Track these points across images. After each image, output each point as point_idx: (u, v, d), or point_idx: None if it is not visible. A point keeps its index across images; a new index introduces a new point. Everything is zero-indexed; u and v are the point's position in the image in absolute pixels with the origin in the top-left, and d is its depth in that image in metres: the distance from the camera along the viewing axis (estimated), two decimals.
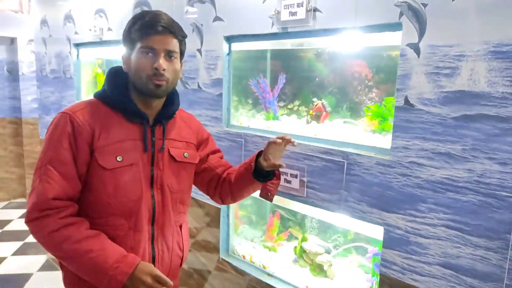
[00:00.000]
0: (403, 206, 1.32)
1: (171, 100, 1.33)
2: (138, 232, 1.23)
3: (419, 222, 1.29)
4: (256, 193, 1.55)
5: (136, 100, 1.25)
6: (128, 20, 1.25)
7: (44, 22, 3.44)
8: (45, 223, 1.12)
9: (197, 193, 2.16)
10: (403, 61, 1.29)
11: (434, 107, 1.23)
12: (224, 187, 1.48)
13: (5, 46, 4.89)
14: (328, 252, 1.87)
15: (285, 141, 1.40)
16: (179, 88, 2.17)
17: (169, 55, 1.22)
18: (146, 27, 1.18)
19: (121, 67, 1.29)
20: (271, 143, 1.38)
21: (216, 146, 1.55)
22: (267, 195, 1.48)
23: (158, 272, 1.15)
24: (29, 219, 1.13)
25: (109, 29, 2.61)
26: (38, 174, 1.15)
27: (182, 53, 1.31)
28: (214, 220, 2.09)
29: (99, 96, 1.27)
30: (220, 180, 1.50)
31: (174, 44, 1.23)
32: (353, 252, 1.85)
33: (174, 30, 1.22)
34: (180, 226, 1.37)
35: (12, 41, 4.87)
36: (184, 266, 2.30)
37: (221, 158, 1.54)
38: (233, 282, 2.00)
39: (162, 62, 1.19)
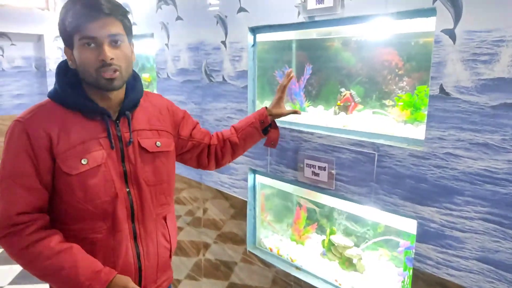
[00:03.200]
0: (438, 199, 1.28)
1: (132, 87, 1.24)
2: (118, 233, 1.17)
3: (455, 216, 1.24)
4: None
5: (92, 95, 1.16)
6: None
7: None
8: (13, 241, 1.07)
9: (222, 186, 2.16)
10: (437, 48, 1.23)
11: (472, 96, 1.17)
12: (224, 151, 1.54)
13: (32, 43, 5.00)
14: (357, 245, 1.83)
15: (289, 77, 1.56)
16: (204, 81, 2.16)
17: (114, 40, 1.10)
18: (80, 16, 1.06)
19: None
20: (279, 91, 1.56)
21: (193, 119, 1.52)
22: (271, 144, 1.60)
23: (133, 285, 1.11)
24: None
25: (134, 23, 2.62)
26: (0, 189, 1.09)
27: (129, 33, 1.17)
28: (239, 212, 2.08)
29: (52, 96, 1.16)
30: (211, 148, 1.52)
31: (117, 26, 1.11)
32: (384, 246, 1.81)
33: (112, 11, 1.09)
34: (165, 218, 1.31)
35: (39, 38, 4.97)
36: (211, 257, 2.31)
37: (200, 128, 1.53)
38: (260, 274, 1.99)
39: (108, 51, 1.08)
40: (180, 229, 2.56)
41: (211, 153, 1.53)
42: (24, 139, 1.08)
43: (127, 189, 1.20)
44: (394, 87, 1.67)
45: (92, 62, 1.10)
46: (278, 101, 1.57)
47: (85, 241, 1.16)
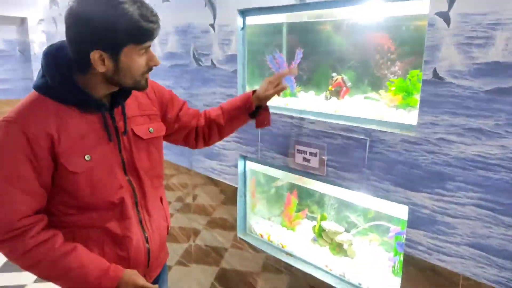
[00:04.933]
0: (430, 184, 1.27)
1: None
2: (128, 220, 1.18)
3: (447, 201, 1.24)
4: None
5: (92, 86, 1.10)
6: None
7: (53, 1, 3.39)
8: (15, 245, 1.04)
9: (212, 172, 2.13)
10: (431, 31, 1.20)
11: (465, 80, 1.15)
12: (211, 133, 1.51)
13: (15, 26, 4.86)
14: (348, 231, 1.83)
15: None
16: (192, 66, 2.11)
17: None
18: (145, 31, 1.03)
19: (58, 46, 1.10)
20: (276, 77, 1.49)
21: (180, 99, 1.47)
22: (263, 124, 1.54)
23: (142, 281, 1.12)
24: None
25: None
26: None
27: None
28: (229, 198, 2.06)
29: (42, 90, 1.08)
30: (199, 130, 1.50)
31: None
32: (374, 231, 1.81)
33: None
34: (161, 199, 1.33)
35: (23, 21, 4.83)
36: (201, 243, 2.30)
37: (188, 109, 1.48)
38: (251, 260, 1.98)
39: (156, 57, 1.12)
40: (170, 215, 2.54)
41: (198, 134, 1.51)
42: (23, 141, 1.02)
43: (127, 178, 1.20)
44: (386, 72, 1.65)
45: (142, 67, 1.09)
46: (268, 85, 1.49)
47: (95, 229, 1.15)
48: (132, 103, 1.24)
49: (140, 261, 1.21)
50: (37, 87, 1.09)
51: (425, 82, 1.24)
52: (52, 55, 1.09)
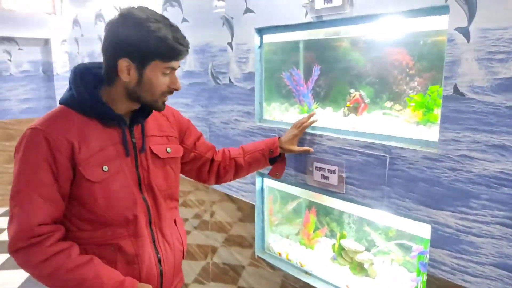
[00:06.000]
0: (453, 202, 1.24)
1: None
2: (140, 238, 1.19)
3: (471, 220, 1.20)
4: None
5: (115, 101, 1.16)
6: (138, 26, 1.07)
7: (76, 22, 3.49)
8: (32, 253, 1.04)
9: (230, 189, 2.13)
10: (451, 46, 1.19)
11: (487, 96, 1.13)
12: (227, 170, 1.53)
13: (39, 47, 5.02)
14: (368, 249, 1.79)
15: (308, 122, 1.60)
16: (210, 84, 2.13)
17: None
18: (173, 48, 1.09)
19: (87, 65, 1.19)
20: (296, 127, 1.58)
21: (197, 130, 1.50)
22: (276, 175, 1.62)
23: None
24: (14, 249, 1.04)
25: None
26: (17, 199, 1.05)
27: None
28: (246, 215, 2.05)
29: (68, 103, 1.14)
30: (214, 165, 1.52)
31: None
32: (395, 250, 1.76)
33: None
34: (175, 221, 1.33)
35: (46, 42, 4.99)
36: (219, 262, 2.28)
37: (204, 141, 1.52)
38: (269, 279, 1.96)
39: (179, 81, 1.18)
40: (187, 232, 2.54)
41: (213, 168, 1.52)
42: (45, 148, 1.06)
43: (142, 195, 1.21)
44: (405, 87, 1.63)
45: (163, 87, 1.14)
46: (292, 138, 1.59)
47: (108, 247, 1.15)
48: (152, 123, 1.28)
49: (152, 282, 1.21)
50: (63, 100, 1.15)
51: (445, 98, 1.22)
52: (80, 71, 1.16)
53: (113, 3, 2.88)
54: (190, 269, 2.52)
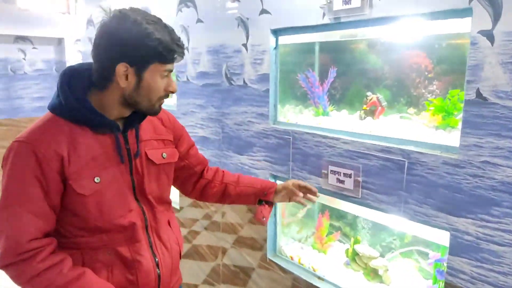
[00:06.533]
0: (473, 210, 1.20)
1: None
2: (138, 243, 1.16)
3: (493, 228, 1.17)
4: None
5: (107, 107, 1.11)
6: (138, 28, 1.04)
7: (90, 22, 3.51)
8: (23, 269, 1.01)
9: None
10: (474, 50, 1.16)
11: (511, 101, 1.10)
12: (213, 192, 1.46)
13: (53, 46, 5.06)
14: (383, 255, 1.76)
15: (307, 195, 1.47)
16: (224, 85, 2.12)
17: None
18: (171, 50, 1.07)
19: (76, 68, 1.13)
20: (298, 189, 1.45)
21: (191, 138, 1.44)
22: (261, 219, 1.46)
23: None
24: (4, 264, 1.02)
25: None
26: (6, 215, 1.02)
27: None
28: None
29: (56, 110, 1.09)
30: (202, 180, 1.45)
31: None
32: (411, 256, 1.73)
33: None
34: (169, 223, 1.30)
35: (60, 41, 5.03)
36: (230, 264, 2.27)
37: (197, 152, 1.46)
38: (280, 283, 1.93)
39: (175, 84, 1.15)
40: (197, 233, 2.53)
41: (200, 184, 1.46)
42: (33, 162, 1.02)
43: (137, 201, 1.19)
44: (423, 91, 1.60)
45: (160, 91, 1.11)
46: (288, 194, 1.47)
47: (105, 252, 1.13)
48: (148, 127, 1.24)
49: (149, 286, 1.19)
50: (51, 107, 1.10)
51: (467, 102, 1.19)
52: (68, 75, 1.11)
53: (127, 3, 2.88)
54: (200, 270, 2.51)
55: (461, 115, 1.40)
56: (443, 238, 1.32)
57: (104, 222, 1.11)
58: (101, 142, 1.11)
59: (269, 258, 1.99)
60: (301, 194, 1.44)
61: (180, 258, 1.34)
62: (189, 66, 2.35)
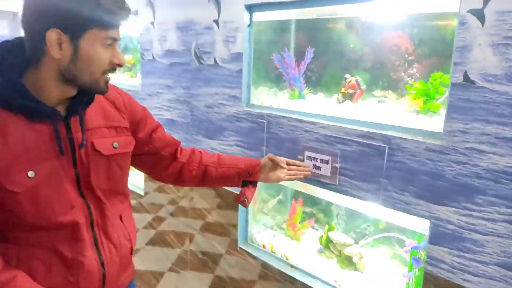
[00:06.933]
0: (456, 198, 1.16)
1: None
2: (80, 242, 1.04)
3: (476, 217, 1.13)
4: None
5: (45, 88, 0.95)
6: None
7: None
8: None
9: None
10: (462, 30, 1.10)
11: (501, 85, 1.05)
12: (194, 174, 1.33)
13: (7, 20, 4.69)
14: (356, 242, 1.72)
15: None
16: (193, 64, 1.99)
17: None
18: (111, 11, 0.91)
19: (13, 43, 0.97)
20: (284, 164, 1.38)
21: (155, 120, 1.29)
22: (243, 202, 1.36)
23: None
24: None
25: None
26: None
27: None
28: (229, 204, 1.94)
29: None
30: (175, 163, 1.32)
31: None
32: (385, 243, 1.70)
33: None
34: (120, 217, 1.16)
35: (14, 15, 4.66)
36: (197, 251, 2.18)
37: (164, 134, 1.31)
38: (252, 272, 1.87)
39: (122, 55, 0.99)
40: (163, 219, 2.42)
41: (173, 167, 1.33)
42: None
43: (82, 196, 1.05)
44: (402, 74, 1.54)
45: (104, 64, 0.96)
46: (273, 168, 1.39)
47: (43, 250, 1.01)
48: (97, 112, 1.07)
49: (92, 286, 1.07)
50: None
51: (454, 85, 1.13)
52: (1, 53, 0.94)
53: None
54: (166, 257, 2.41)
55: (441, 99, 1.36)
56: (419, 225, 1.29)
57: (41, 220, 0.98)
58: (37, 131, 0.95)
59: (240, 247, 1.91)
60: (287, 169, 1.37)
61: (132, 254, 1.22)
62: (155, 44, 2.19)
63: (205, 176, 1.35)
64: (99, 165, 1.06)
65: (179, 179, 1.36)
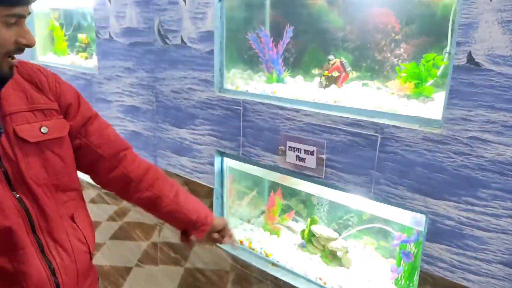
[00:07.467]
0: (457, 191, 1.06)
1: None
2: (20, 251, 0.90)
3: (478, 212, 1.04)
4: None
5: None
6: None
7: None
8: None
9: (183, 170, 1.85)
10: (467, 6, 0.98)
11: (510, 67, 0.94)
12: (143, 198, 1.11)
13: None
14: (339, 233, 1.62)
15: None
16: (157, 44, 1.79)
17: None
18: None
19: None
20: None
21: (92, 109, 1.09)
22: (188, 243, 1.19)
23: None
24: None
25: None
26: None
27: None
28: (196, 193, 1.79)
29: None
30: (117, 170, 1.09)
31: None
32: (370, 236, 1.61)
33: None
34: (72, 217, 1.01)
35: None
36: (165, 244, 2.03)
37: (103, 129, 1.08)
38: (225, 262, 1.74)
39: (31, 34, 0.85)
40: (126, 211, 2.25)
41: (115, 175, 1.09)
42: None
43: (16, 195, 0.88)
44: (389, 55, 1.43)
45: (8, 44, 0.82)
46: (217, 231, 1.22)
47: None
48: (17, 95, 0.92)
49: None
50: None
51: (456, 68, 1.02)
52: None
53: None
54: (130, 252, 2.24)
55: (431, 83, 1.26)
56: (406, 217, 1.21)
57: None
58: None
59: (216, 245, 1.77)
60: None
61: (91, 258, 1.06)
62: (112, 21, 1.95)
63: (154, 206, 1.14)
64: (29, 155, 0.90)
65: (123, 193, 1.14)
